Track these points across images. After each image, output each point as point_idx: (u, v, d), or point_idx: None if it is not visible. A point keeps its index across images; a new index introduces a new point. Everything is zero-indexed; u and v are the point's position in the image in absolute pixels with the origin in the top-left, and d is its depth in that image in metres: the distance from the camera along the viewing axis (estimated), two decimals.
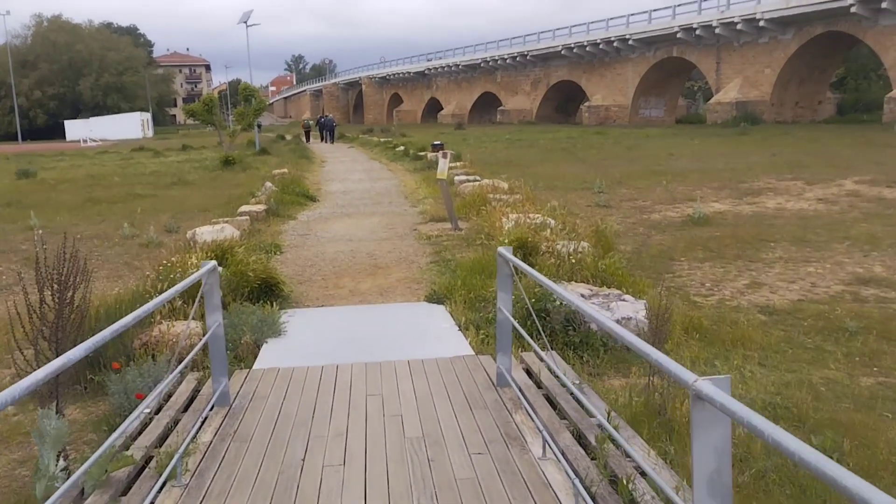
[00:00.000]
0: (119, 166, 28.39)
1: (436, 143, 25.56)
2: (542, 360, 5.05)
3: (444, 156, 11.24)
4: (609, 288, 6.51)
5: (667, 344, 5.23)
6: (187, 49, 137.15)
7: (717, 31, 42.74)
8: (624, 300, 6.08)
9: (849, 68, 51.94)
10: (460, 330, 6.07)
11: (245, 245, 8.55)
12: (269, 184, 15.63)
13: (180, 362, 4.19)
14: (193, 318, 5.23)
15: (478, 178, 16.10)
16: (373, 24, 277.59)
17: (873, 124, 34.95)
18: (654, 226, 11.05)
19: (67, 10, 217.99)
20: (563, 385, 4.29)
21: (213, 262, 4.19)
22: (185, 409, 4.38)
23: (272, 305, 6.72)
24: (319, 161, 28.37)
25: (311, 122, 52.77)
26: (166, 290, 6.31)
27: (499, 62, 64.68)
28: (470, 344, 5.70)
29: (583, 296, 6.23)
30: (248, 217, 11.99)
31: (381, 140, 37.38)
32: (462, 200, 12.84)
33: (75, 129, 69.89)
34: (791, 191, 13.93)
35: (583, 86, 56.77)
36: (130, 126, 71.27)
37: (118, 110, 79.55)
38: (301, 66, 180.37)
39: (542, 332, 4.52)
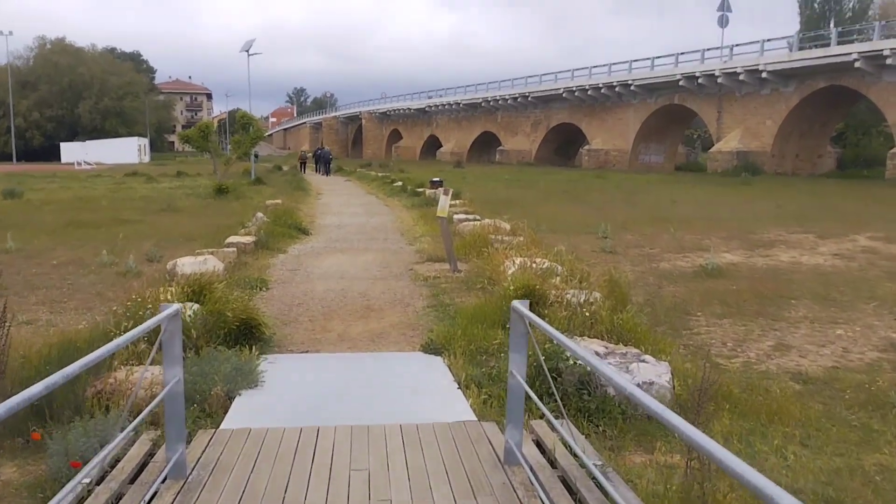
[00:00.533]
0: (109, 190, 27.79)
1: (434, 179, 25.08)
2: (554, 429, 4.38)
3: (446, 193, 10.66)
4: (626, 346, 5.86)
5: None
6: (189, 77, 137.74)
7: (719, 80, 42.74)
8: (644, 361, 5.42)
9: (848, 123, 51.98)
10: (460, 388, 5.39)
11: (227, 280, 7.88)
12: (260, 214, 15.02)
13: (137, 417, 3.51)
14: (153, 365, 4.56)
15: (477, 217, 15.54)
16: (376, 61, 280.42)
17: (876, 180, 34.71)
18: (664, 275, 10.43)
19: (71, 33, 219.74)
20: (583, 466, 3.62)
21: (176, 306, 3.53)
22: (133, 479, 3.67)
23: (251, 350, 6.03)
24: (315, 193, 27.82)
25: (307, 154, 52.98)
26: (131, 328, 5.65)
27: (500, 102, 64.75)
28: (471, 406, 5.01)
29: (598, 354, 5.57)
30: (234, 249, 11.34)
31: (379, 174, 36.94)
32: (461, 240, 12.23)
33: (71, 151, 69.43)
34: (804, 244, 13.36)
35: (583, 129, 56.72)
36: (127, 151, 70.83)
37: (116, 135, 79.21)
38: (302, 98, 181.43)
39: (557, 398, 3.85)
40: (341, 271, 10.77)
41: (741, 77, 41.37)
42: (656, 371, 5.28)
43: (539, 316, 6.70)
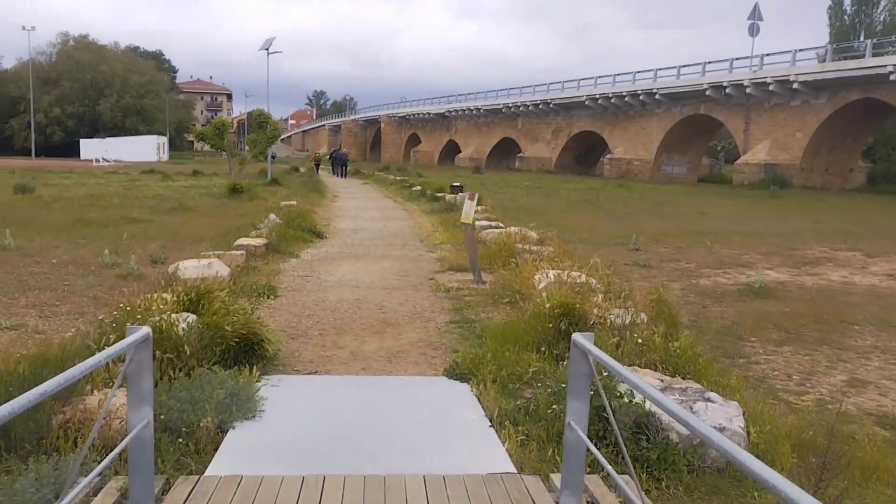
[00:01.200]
0: (123, 187, 27.26)
1: (455, 184, 24.34)
2: (612, 488, 3.58)
3: (471, 198, 9.88)
4: (684, 380, 5.04)
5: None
6: (210, 77, 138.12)
7: (748, 90, 41.73)
8: (710, 400, 4.60)
9: (878, 138, 50.73)
10: (492, 425, 4.59)
11: (230, 287, 7.12)
12: (272, 216, 14.31)
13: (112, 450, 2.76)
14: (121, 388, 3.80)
15: (500, 224, 14.75)
16: (396, 66, 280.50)
17: None
18: (706, 294, 9.59)
19: (94, 31, 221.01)
20: None
21: (145, 330, 2.77)
22: None
23: (251, 371, 5.27)
24: (332, 195, 27.15)
25: (321, 156, 52.68)
26: (114, 344, 4.91)
27: (521, 108, 63.96)
28: (507, 450, 4.22)
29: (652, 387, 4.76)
30: (243, 252, 10.61)
31: (398, 178, 36.24)
32: (485, 249, 11.44)
33: (90, 148, 69.39)
34: (853, 263, 12.46)
35: (605, 137, 55.80)
36: (146, 149, 70.70)
37: (136, 132, 79.17)
38: (322, 101, 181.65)
39: (624, 452, 3.05)
40: (356, 279, 10.02)
41: (771, 87, 40.33)
42: (726, 413, 4.46)
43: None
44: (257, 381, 5.25)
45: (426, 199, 23.92)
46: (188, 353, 5.09)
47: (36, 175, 33.30)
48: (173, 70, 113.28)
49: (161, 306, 5.84)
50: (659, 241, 14.75)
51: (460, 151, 74.37)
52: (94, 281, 9.44)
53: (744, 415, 4.50)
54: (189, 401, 4.34)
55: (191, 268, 8.41)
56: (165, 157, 74.23)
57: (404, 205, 23.94)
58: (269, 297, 8.50)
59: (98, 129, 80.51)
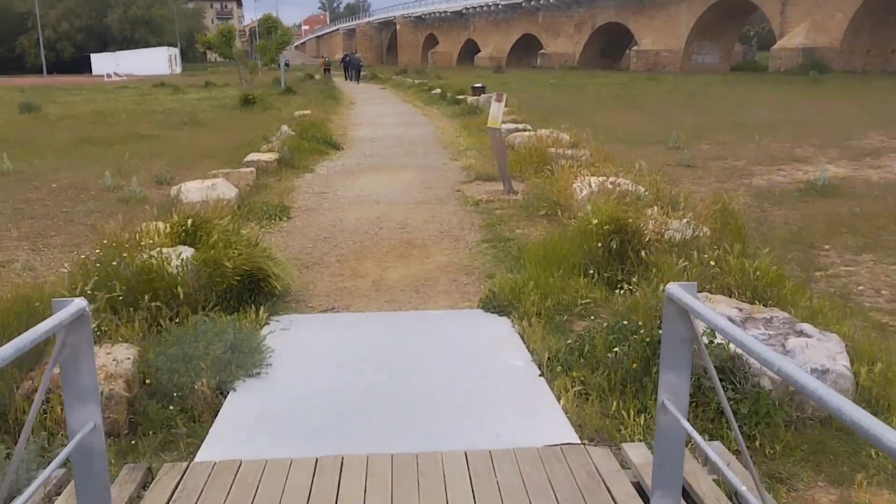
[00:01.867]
0: (134, 102, 26.31)
1: (476, 85, 23.04)
2: (711, 471, 2.86)
3: (499, 99, 8.89)
4: (767, 307, 4.24)
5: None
6: None
7: None
8: (804, 333, 3.81)
9: None
10: (542, 374, 3.86)
11: (234, 212, 6.35)
12: (285, 127, 13.40)
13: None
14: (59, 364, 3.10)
15: (528, 127, 13.71)
16: None
17: None
18: (763, 195, 8.66)
19: None
20: None
21: (77, 305, 2.00)
22: None
23: (257, 314, 4.57)
24: (348, 102, 26.01)
25: (330, 60, 51.26)
26: (95, 287, 4.22)
27: (541, 2, 60.86)
28: (563, 408, 3.49)
29: (732, 320, 3.99)
30: (253, 169, 9.81)
31: (416, 82, 34.78)
32: (515, 155, 10.51)
33: (102, 62, 67.75)
34: None
35: (631, 28, 53.07)
36: (158, 61, 68.86)
37: (146, 44, 77.06)
38: (335, 4, 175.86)
39: (735, 429, 2.29)
40: (377, 194, 9.21)
41: None
42: (826, 350, 3.67)
43: (635, 256, 5.11)
44: (266, 324, 4.56)
45: (447, 103, 22.74)
46: (182, 296, 4.38)
47: (45, 93, 32.40)
48: None
49: (153, 239, 5.11)
50: (700, 136, 13.65)
51: (479, 51, 71.62)
52: (94, 207, 8.74)
53: (847, 350, 3.72)
54: (181, 358, 3.65)
55: (194, 190, 7.65)
56: (178, 69, 72.44)
57: (424, 109, 22.81)
58: (281, 219, 7.75)
59: (108, 43, 78.52)
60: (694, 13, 46.95)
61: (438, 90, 26.44)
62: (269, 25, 28.87)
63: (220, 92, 30.67)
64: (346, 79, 44.11)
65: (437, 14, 79.71)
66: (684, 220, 5.40)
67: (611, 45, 58.54)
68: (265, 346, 4.08)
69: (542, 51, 61.57)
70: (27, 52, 76.37)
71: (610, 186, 7.05)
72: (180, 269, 4.55)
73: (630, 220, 5.23)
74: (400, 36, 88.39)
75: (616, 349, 3.79)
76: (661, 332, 3.58)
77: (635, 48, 51.96)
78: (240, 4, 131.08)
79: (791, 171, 10.14)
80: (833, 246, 6.41)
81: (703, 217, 5.56)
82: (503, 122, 15.42)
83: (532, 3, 62.08)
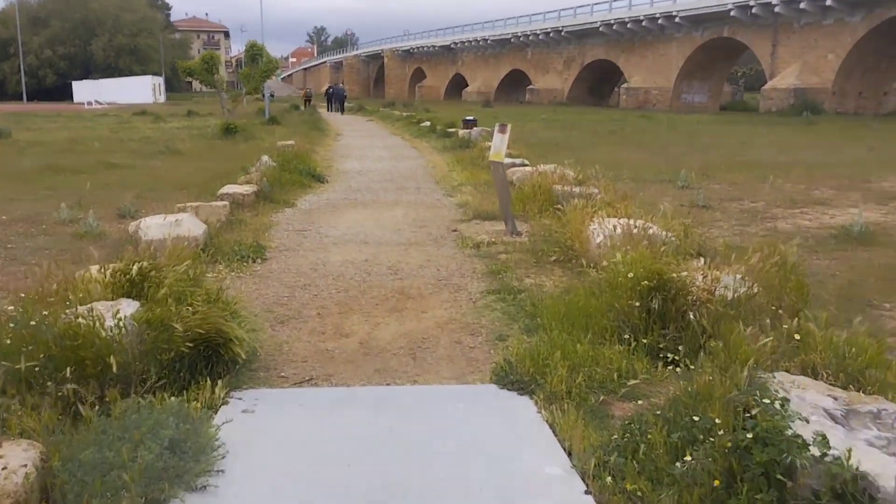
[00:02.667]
0: (111, 130, 25.34)
1: (468, 118, 22.29)
2: None
3: (503, 131, 8.02)
4: (868, 394, 3.31)
5: None
6: (206, 14, 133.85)
7: (776, 9, 38.92)
8: None
9: None
10: (589, 491, 2.89)
11: (194, 257, 5.36)
12: (265, 158, 12.45)
13: None
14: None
15: (526, 162, 12.88)
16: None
17: None
18: (792, 240, 7.78)
19: None
20: None
21: None
22: None
23: (213, 389, 3.58)
24: (334, 134, 25.18)
25: (311, 91, 51.99)
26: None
27: (530, 38, 60.94)
28: None
29: (828, 413, 3.07)
30: (227, 203, 8.84)
31: (404, 114, 34.10)
32: (516, 192, 9.65)
33: (83, 90, 66.78)
34: None
35: (620, 66, 53.04)
36: (141, 90, 68.08)
37: (131, 73, 76.32)
38: (323, 38, 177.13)
39: None
40: (364, 233, 8.27)
41: (802, 5, 37.50)
42: None
43: (681, 319, 4.18)
44: (223, 403, 3.57)
45: (437, 136, 21.97)
46: (116, 368, 3.39)
47: (20, 119, 31.37)
48: (167, 7, 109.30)
49: (89, 290, 4.12)
50: (709, 175, 12.86)
51: (467, 86, 71.49)
52: (45, 243, 7.72)
53: None
54: (98, 467, 2.65)
55: (155, 227, 6.67)
56: (162, 98, 71.70)
57: (413, 142, 22.01)
58: (254, 261, 6.77)
59: (91, 71, 77.72)
60: (684, 53, 46.96)
61: (428, 123, 25.72)
62: (253, 53, 28.03)
63: (202, 121, 29.77)
64: (328, 110, 43.76)
65: (425, 48, 79.78)
66: (737, 276, 4.49)
67: (600, 83, 58.54)
68: (218, 442, 3.09)
69: (531, 86, 61.44)
70: (8, 79, 75.41)
71: (635, 231, 6.16)
72: (116, 333, 3.56)
73: (674, 275, 4.31)
74: (387, 69, 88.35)
75: (688, 457, 2.84)
76: (748, 435, 2.66)
77: (625, 86, 51.85)
78: (227, 36, 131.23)
79: (815, 214, 9.32)
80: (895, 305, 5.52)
81: (756, 272, 4.65)
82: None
83: (521, 38, 62.18)
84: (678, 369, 3.90)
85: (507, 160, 13.43)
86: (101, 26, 79.12)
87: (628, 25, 49.68)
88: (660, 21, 47.04)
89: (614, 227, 6.29)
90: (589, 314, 4.52)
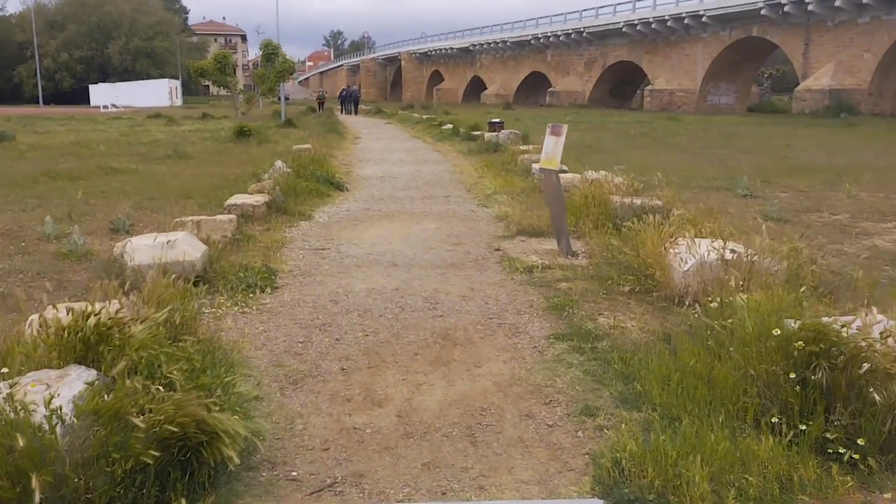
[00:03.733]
0: (121, 133, 24.33)
1: (494, 120, 21.09)
2: None
3: (557, 132, 6.79)
4: None
5: None
6: (223, 18, 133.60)
7: (809, 7, 37.38)
8: None
9: None
10: None
11: (184, 294, 4.18)
12: (279, 163, 11.30)
13: None
14: None
15: (564, 168, 11.63)
16: (414, 2, 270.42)
17: None
18: None
19: None
20: None
21: None
22: None
23: None
24: (352, 137, 24.05)
25: (324, 93, 52.80)
26: None
27: (550, 39, 59.57)
28: None
29: None
30: (234, 216, 7.68)
31: (424, 117, 32.93)
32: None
33: (100, 93, 66.20)
34: None
35: (644, 67, 51.59)
36: (158, 93, 67.39)
37: (148, 77, 75.69)
38: (339, 41, 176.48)
39: None
40: (391, 251, 7.08)
41: (837, 3, 35.98)
42: None
43: (855, 397, 2.96)
44: None
45: (460, 139, 20.76)
46: (41, 490, 2.21)
47: (29, 122, 30.49)
48: (184, 11, 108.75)
49: (29, 352, 2.96)
50: (768, 182, 11.58)
51: (485, 88, 70.22)
52: (21, 264, 6.59)
53: None
54: None
55: (143, 249, 5.51)
56: (179, 101, 70.97)
57: (436, 145, 20.82)
58: (263, 291, 5.59)
59: (108, 74, 77.22)
60: (710, 53, 45.47)
61: (449, 126, 24.51)
62: (268, 52, 26.82)
63: (215, 124, 28.73)
64: (342, 112, 42.97)
65: (442, 50, 78.61)
66: None
67: (622, 84, 57.11)
68: None
69: (551, 88, 60.06)
70: (25, 83, 74.97)
71: (729, 255, 4.94)
72: (48, 431, 2.39)
73: (845, 336, 3.08)
74: (405, 72, 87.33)
75: None
76: None
77: (648, 87, 50.42)
78: (244, 39, 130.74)
79: None
80: None
81: None
82: (524, 159, 13.45)
83: (541, 40, 60.84)
84: (858, 473, 2.68)
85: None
86: (118, 29, 78.53)
87: (652, 26, 48.24)
88: (685, 21, 45.57)
89: (707, 251, 5.07)
90: (712, 382, 3.30)
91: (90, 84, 71.57)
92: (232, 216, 7.56)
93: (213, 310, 5.06)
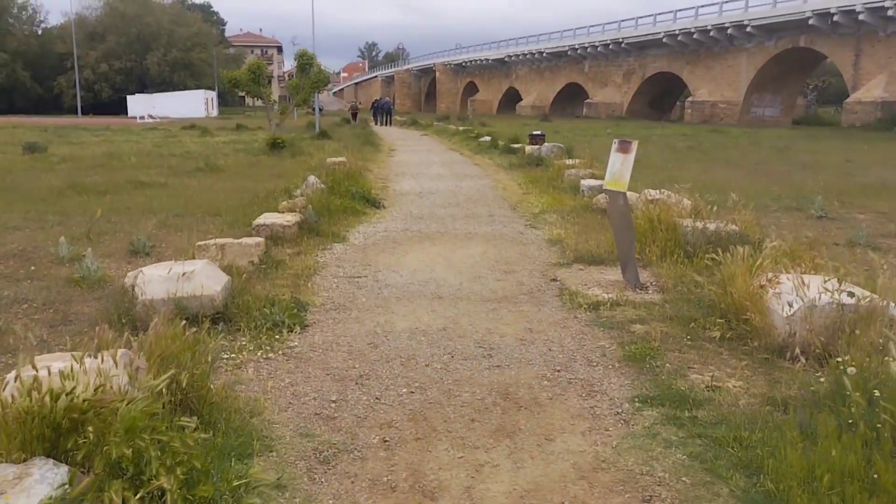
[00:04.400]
0: (154, 144, 24.01)
1: (535, 133, 20.30)
2: None
3: (625, 149, 6.00)
4: None
5: None
6: (260, 30, 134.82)
7: (860, 16, 36.04)
8: None
9: None
10: None
11: (194, 348, 3.45)
12: (312, 178, 10.63)
13: None
14: None
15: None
16: (448, 14, 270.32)
17: None
18: None
19: None
20: None
21: None
22: None
23: None
24: (387, 149, 23.43)
25: (356, 104, 52.93)
26: None
27: (588, 50, 58.64)
28: None
29: None
30: (262, 239, 6.99)
31: (460, 129, 32.25)
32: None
33: (138, 104, 66.80)
34: None
35: (684, 78, 50.43)
36: (194, 104, 67.80)
37: (185, 87, 76.26)
38: (374, 53, 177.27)
39: None
40: (435, 280, 6.34)
41: (890, 12, 34.61)
42: None
43: None
44: None
45: (499, 152, 20.02)
46: None
47: (66, 132, 30.46)
48: (222, 23, 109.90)
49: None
50: (842, 202, 10.62)
51: (521, 100, 69.45)
52: (29, 291, 5.96)
53: None
54: None
55: (157, 281, 4.83)
56: (215, 112, 71.35)
57: (474, 158, 20.09)
58: (291, 330, 4.87)
59: (146, 85, 77.97)
60: (755, 64, 44.18)
61: (487, 138, 23.79)
62: (303, 62, 26.26)
63: (250, 135, 28.36)
64: (375, 122, 43.10)
65: (477, 61, 78.08)
66: None
67: (661, 96, 55.98)
68: None
69: (588, 100, 59.09)
70: (65, 93, 75.99)
71: (848, 299, 4.11)
72: None
73: None
74: (439, 83, 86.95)
75: None
76: None
77: (690, 99, 49.21)
78: (280, 51, 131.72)
79: None
80: None
81: None
82: (577, 174, 12.64)
83: (578, 51, 59.96)
84: None
85: (593, 181, 11.45)
86: (156, 41, 79.35)
87: (694, 36, 47.10)
88: (729, 31, 44.38)
89: (818, 292, 4.23)
90: (876, 487, 2.48)
91: (128, 95, 72.33)
92: (259, 239, 6.87)
93: (234, 355, 4.36)
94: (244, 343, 4.57)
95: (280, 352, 4.49)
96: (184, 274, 4.79)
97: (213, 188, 12.52)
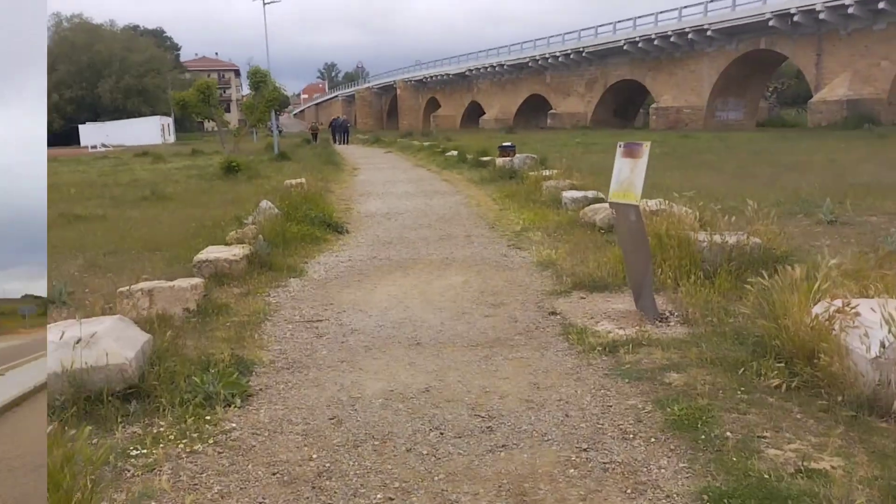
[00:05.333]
0: (100, 174, 22.59)
1: (505, 144, 19.39)
2: None
3: (632, 153, 4.97)
4: None
5: None
6: (216, 54, 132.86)
7: (820, 15, 35.90)
8: None
9: None
10: None
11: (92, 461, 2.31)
12: (266, 203, 9.45)
13: None
14: None
15: (601, 195, 9.88)
16: (408, 32, 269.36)
17: None
18: None
19: (91, 10, 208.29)
20: None
21: None
22: None
23: None
24: (350, 168, 22.32)
25: (318, 125, 54.77)
26: None
27: (549, 61, 58.18)
28: None
29: None
30: (200, 280, 5.82)
31: (425, 144, 31.23)
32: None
33: (90, 133, 64.77)
34: None
35: (647, 85, 50.13)
36: (149, 131, 66.05)
37: (139, 114, 74.39)
38: (334, 73, 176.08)
39: None
40: (411, 321, 5.24)
41: (850, 10, 34.50)
42: None
43: None
44: None
45: (469, 166, 19.02)
46: None
47: None
48: (176, 48, 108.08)
49: None
50: (846, 204, 9.76)
51: (483, 113, 68.82)
52: None
53: None
54: None
55: (51, 349, 3.66)
56: (172, 138, 69.62)
57: (442, 174, 19.06)
58: (229, 405, 3.73)
59: (99, 114, 75.81)
60: (717, 68, 43.99)
61: (454, 152, 22.80)
62: (257, 80, 24.91)
63: (205, 160, 27.02)
64: (334, 142, 42.82)
65: (438, 77, 77.44)
66: None
67: (624, 104, 55.68)
68: None
69: (552, 111, 58.61)
70: None
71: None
72: None
73: None
74: (400, 100, 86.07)
75: None
76: None
77: (654, 105, 48.87)
78: (237, 74, 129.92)
79: None
80: None
81: None
82: (556, 185, 11.68)
83: (539, 62, 59.51)
84: None
85: (576, 193, 10.51)
86: (108, 68, 77.37)
87: (655, 42, 46.83)
88: (689, 36, 44.13)
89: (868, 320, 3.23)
90: None
91: (80, 124, 70.28)
92: (197, 280, 5.70)
93: (145, 451, 3.21)
94: (162, 429, 3.43)
95: (211, 440, 3.35)
96: (80, 340, 3.63)
97: (157, 219, 11.29)
